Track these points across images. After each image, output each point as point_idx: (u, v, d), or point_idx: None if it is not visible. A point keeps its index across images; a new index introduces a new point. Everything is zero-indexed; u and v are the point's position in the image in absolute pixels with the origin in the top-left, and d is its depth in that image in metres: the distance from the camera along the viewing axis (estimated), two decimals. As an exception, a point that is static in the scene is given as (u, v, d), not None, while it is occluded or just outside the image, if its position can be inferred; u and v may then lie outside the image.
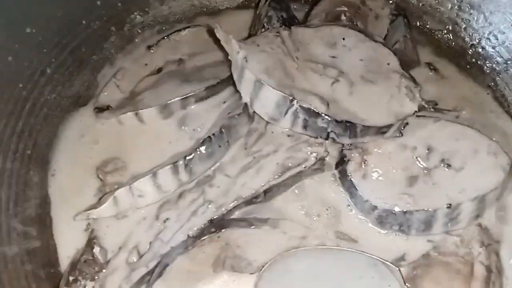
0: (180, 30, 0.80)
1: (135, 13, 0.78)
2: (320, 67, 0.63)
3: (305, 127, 0.61)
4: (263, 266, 0.57)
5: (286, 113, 0.60)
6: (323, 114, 0.59)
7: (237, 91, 0.68)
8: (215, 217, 0.60)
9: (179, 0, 0.82)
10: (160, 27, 0.81)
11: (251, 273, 0.57)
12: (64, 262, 0.62)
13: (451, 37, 0.81)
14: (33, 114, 0.67)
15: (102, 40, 0.75)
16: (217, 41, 0.66)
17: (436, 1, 0.81)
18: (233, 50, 0.62)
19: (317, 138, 0.62)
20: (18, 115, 0.65)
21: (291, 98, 0.59)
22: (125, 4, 0.76)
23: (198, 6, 0.83)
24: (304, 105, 0.59)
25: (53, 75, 0.69)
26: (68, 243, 0.63)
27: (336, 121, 0.59)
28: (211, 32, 0.72)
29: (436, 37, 0.82)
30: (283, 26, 0.68)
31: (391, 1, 0.80)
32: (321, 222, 0.62)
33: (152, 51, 0.79)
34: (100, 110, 0.72)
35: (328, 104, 0.59)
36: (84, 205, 0.64)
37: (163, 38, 0.79)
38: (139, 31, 0.79)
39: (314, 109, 0.59)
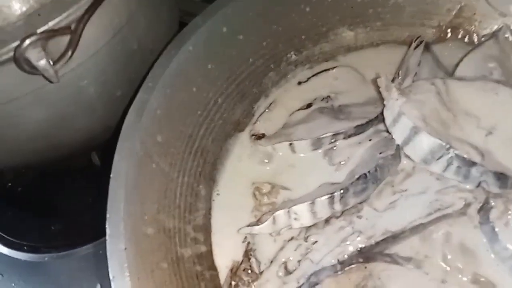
0: (328, 69, 0.88)
1: (292, 52, 0.87)
2: (474, 119, 0.67)
3: (457, 173, 0.65)
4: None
5: (439, 158, 0.65)
6: (478, 164, 0.63)
7: (382, 130, 0.75)
8: (363, 247, 0.66)
9: (328, 41, 0.90)
10: (310, 65, 0.89)
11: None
12: (222, 267, 0.72)
13: None
14: (204, 137, 0.78)
15: (262, 75, 0.85)
16: (375, 84, 0.74)
17: None
18: (392, 97, 0.69)
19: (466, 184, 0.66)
20: (194, 138, 0.76)
21: (447, 146, 0.64)
22: (284, 45, 0.86)
23: (345, 47, 0.90)
24: (460, 154, 0.64)
25: (222, 104, 0.80)
26: (227, 252, 0.72)
27: (490, 171, 0.63)
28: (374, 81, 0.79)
29: None
30: (438, 77, 0.73)
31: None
32: (460, 266, 0.64)
33: (302, 86, 0.88)
34: (257, 137, 0.82)
35: (483, 155, 0.63)
36: (242, 220, 0.73)
37: (313, 75, 0.88)
38: (293, 68, 0.88)
39: (470, 159, 0.63)
